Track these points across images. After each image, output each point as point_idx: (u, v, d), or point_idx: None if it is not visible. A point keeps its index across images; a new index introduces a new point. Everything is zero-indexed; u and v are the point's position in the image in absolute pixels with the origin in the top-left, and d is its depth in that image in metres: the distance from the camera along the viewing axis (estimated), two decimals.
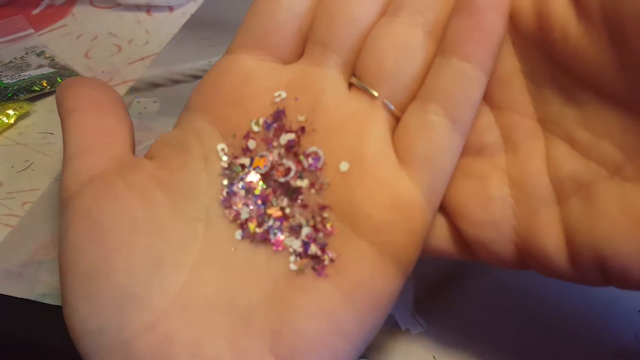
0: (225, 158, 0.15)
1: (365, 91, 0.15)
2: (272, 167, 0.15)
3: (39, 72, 0.34)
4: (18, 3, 0.41)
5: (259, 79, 0.16)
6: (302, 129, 0.15)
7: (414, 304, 0.23)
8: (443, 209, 0.17)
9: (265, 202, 0.15)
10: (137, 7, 0.41)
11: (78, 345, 0.14)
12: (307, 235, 0.14)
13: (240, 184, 0.15)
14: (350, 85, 0.16)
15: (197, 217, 0.15)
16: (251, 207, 0.15)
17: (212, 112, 0.16)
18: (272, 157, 0.15)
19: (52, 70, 0.34)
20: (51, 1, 0.42)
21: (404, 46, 0.15)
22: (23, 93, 0.32)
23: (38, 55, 0.36)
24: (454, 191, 0.16)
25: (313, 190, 0.15)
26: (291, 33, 0.16)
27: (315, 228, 0.14)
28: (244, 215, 0.15)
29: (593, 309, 0.23)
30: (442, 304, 0.23)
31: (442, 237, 0.17)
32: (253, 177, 0.15)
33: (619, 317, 0.23)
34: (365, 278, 0.14)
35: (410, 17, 0.15)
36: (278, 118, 0.15)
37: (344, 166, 0.14)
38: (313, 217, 0.14)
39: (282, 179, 0.15)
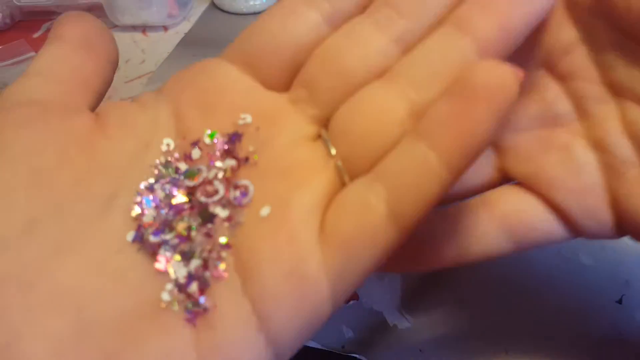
0: (164, 153, 0.14)
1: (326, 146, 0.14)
2: (202, 183, 0.14)
3: None
4: (19, 27, 0.43)
5: (235, 95, 0.15)
6: (247, 159, 0.14)
7: (401, 300, 0.24)
8: (537, 191, 0.16)
9: (177, 214, 0.13)
10: (133, 28, 0.42)
11: None
12: (195, 268, 0.13)
13: (166, 186, 0.14)
14: (319, 136, 0.14)
15: (100, 195, 0.13)
16: (160, 212, 0.13)
17: (177, 104, 0.15)
18: (208, 175, 0.14)
19: None
20: (51, 25, 0.44)
21: (382, 116, 0.13)
22: None
23: None
24: (543, 167, 0.16)
25: (226, 224, 0.13)
26: (285, 62, 0.15)
27: (205, 264, 0.13)
28: (147, 218, 0.13)
29: (573, 301, 0.24)
30: (429, 300, 0.24)
31: (546, 219, 0.16)
32: (180, 185, 0.14)
33: (598, 307, 0.24)
34: (230, 349, 0.12)
35: (402, 90, 0.13)
36: (231, 141, 0.14)
37: (264, 211, 0.13)
38: (210, 252, 0.13)
39: (203, 199, 0.14)
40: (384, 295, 0.25)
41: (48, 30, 0.43)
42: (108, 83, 0.16)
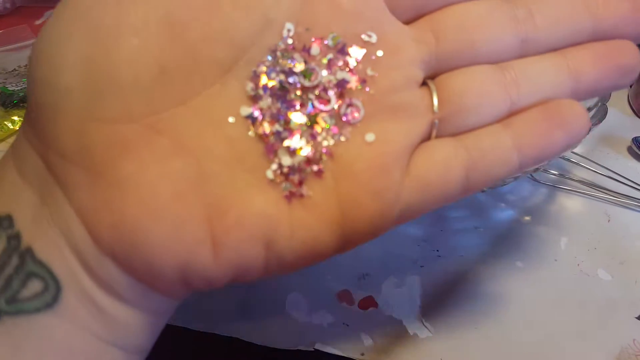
0: (286, 34, 0.14)
1: (431, 95, 0.15)
2: (316, 87, 0.14)
3: None
4: (21, 13, 0.42)
5: (365, 5, 0.15)
6: (364, 81, 0.14)
7: (421, 309, 0.24)
8: None
9: (289, 108, 0.14)
10: None
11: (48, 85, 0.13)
12: (298, 162, 0.14)
13: (281, 75, 0.14)
14: (425, 84, 0.15)
15: (223, 58, 0.13)
16: (274, 100, 0.14)
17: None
18: (322, 80, 0.14)
19: None
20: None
21: (485, 100, 0.15)
22: None
23: None
24: None
25: (331, 134, 0.14)
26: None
27: (308, 161, 0.14)
28: (263, 104, 0.14)
29: (593, 315, 0.24)
30: (448, 309, 0.24)
31: None
32: (294, 77, 0.14)
33: (618, 322, 0.24)
34: (315, 232, 0.14)
35: (509, 84, 0.15)
36: (352, 55, 0.14)
37: (370, 137, 0.14)
38: (314, 152, 0.14)
39: (316, 104, 0.14)
40: (402, 303, 0.24)
41: None
42: None
